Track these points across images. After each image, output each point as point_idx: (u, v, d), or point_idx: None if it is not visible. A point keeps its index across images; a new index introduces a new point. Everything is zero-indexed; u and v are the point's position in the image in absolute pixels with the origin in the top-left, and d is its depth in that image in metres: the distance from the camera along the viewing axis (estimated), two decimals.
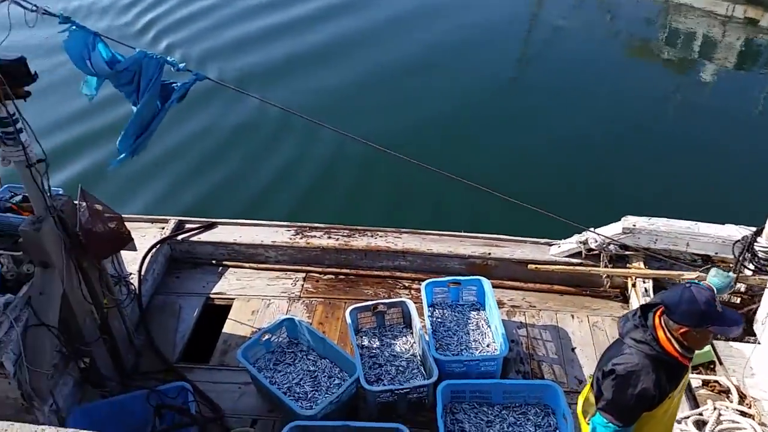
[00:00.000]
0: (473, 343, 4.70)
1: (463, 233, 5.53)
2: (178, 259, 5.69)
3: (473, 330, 4.80)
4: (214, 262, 5.64)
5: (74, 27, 3.02)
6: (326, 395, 4.34)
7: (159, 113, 3.29)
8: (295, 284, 5.45)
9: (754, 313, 4.47)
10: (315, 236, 5.62)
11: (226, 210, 6.22)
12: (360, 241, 5.54)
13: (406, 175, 7.24)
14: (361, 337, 4.78)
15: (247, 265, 5.61)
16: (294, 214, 6.12)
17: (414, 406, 4.38)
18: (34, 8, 2.88)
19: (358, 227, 5.68)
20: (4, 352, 3.53)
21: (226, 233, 5.68)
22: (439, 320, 4.86)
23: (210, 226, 5.72)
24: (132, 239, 4.18)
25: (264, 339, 4.65)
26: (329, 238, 5.61)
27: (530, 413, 4.24)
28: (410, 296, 5.28)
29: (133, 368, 4.76)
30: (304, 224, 5.73)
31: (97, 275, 4.16)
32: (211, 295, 5.37)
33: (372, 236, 5.60)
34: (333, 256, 5.55)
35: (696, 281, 2.71)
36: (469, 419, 4.21)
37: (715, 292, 2.62)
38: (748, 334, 4.48)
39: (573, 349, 4.83)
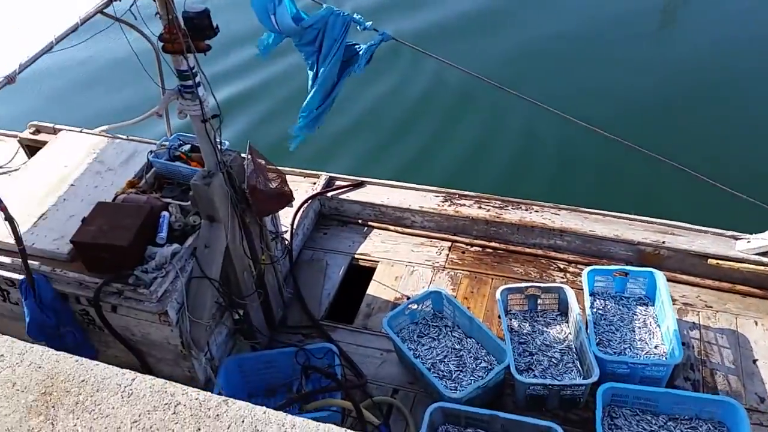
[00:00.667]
0: (639, 343, 4.24)
1: (632, 215, 4.96)
2: (326, 216, 5.66)
3: (639, 328, 4.33)
4: (360, 221, 5.55)
5: None
6: (472, 378, 4.13)
7: (341, 79, 3.08)
8: (440, 253, 5.22)
9: None
10: (464, 205, 5.32)
11: (377, 170, 6.05)
12: (513, 215, 5.17)
13: (569, 144, 6.61)
14: (510, 319, 4.48)
15: (392, 228, 5.45)
16: (446, 181, 5.81)
17: (566, 403, 4.06)
18: None
19: (512, 199, 5.29)
20: (169, 301, 3.63)
21: (374, 194, 5.53)
22: (600, 312, 4.42)
23: (359, 185, 5.61)
24: (293, 198, 4.13)
25: (409, 309, 4.50)
26: (479, 207, 5.29)
27: (701, 428, 3.76)
28: (565, 280, 4.88)
29: (281, 321, 4.84)
30: (454, 191, 5.44)
31: (257, 231, 4.17)
32: (356, 255, 5.30)
33: (526, 210, 5.20)
34: (482, 227, 5.23)
35: None
36: (629, 426, 3.82)
37: None
38: None
39: (755, 361, 4.22)
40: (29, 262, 3.75)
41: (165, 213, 3.87)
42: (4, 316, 4.28)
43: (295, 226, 5.19)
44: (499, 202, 5.28)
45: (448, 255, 5.20)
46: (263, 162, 3.89)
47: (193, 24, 2.93)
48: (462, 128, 7.47)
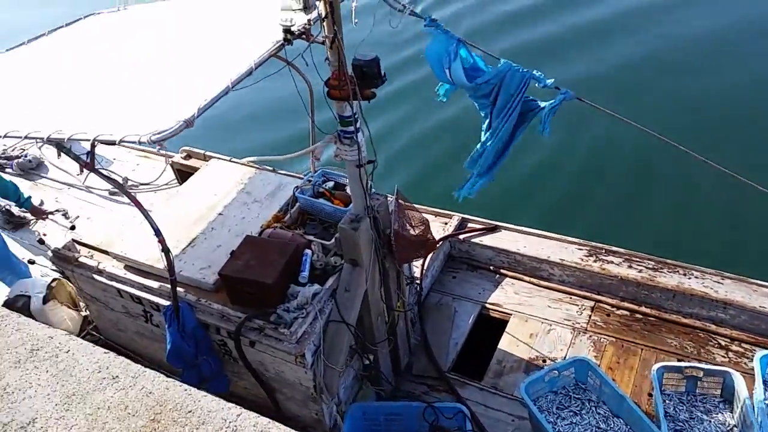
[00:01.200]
0: None
1: None
2: (456, 258, 5.43)
3: None
4: (491, 268, 5.27)
5: (439, 31, 2.71)
6: None
7: (518, 134, 2.87)
8: (581, 312, 4.82)
9: None
10: (612, 262, 4.90)
11: (513, 215, 5.73)
12: (669, 279, 4.68)
13: (737, 202, 5.94)
14: (664, 401, 4.00)
15: (526, 278, 5.12)
16: (590, 232, 5.39)
17: None
18: (402, 8, 2.62)
19: (668, 261, 4.79)
20: (307, 343, 3.53)
21: (509, 240, 5.23)
22: None
23: (493, 229, 5.33)
24: (436, 247, 3.94)
25: (550, 376, 4.14)
26: (630, 267, 4.84)
27: None
28: (728, 360, 4.33)
29: (406, 368, 4.64)
30: (600, 245, 5.02)
31: (395, 276, 4.02)
32: (487, 305, 5.01)
33: (684, 274, 4.69)
34: (632, 288, 4.78)
35: None
36: None
37: None
38: None
39: None
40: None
41: (308, 251, 3.81)
42: (145, 336, 4.40)
43: (425, 268, 5.00)
44: (653, 263, 4.80)
45: (590, 316, 4.78)
46: (408, 207, 3.73)
47: (362, 72, 2.83)
48: (610, 177, 6.96)
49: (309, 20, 2.71)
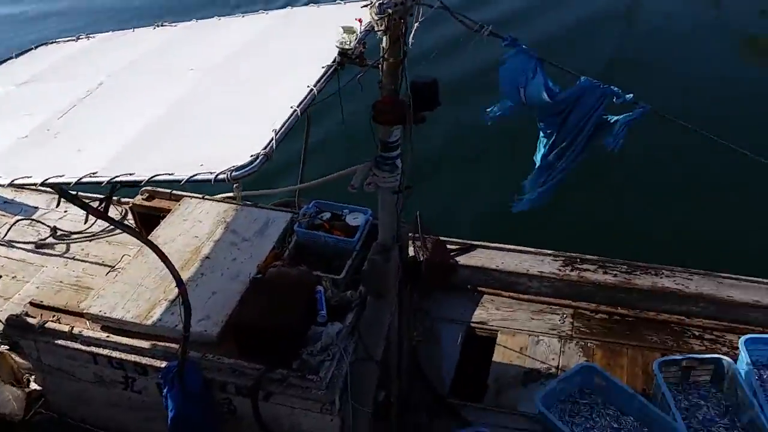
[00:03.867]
0: None
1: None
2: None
3: None
4: (469, 287, 5.27)
5: (520, 50, 2.66)
6: None
7: (583, 152, 2.86)
8: (563, 321, 4.95)
9: None
10: (588, 269, 5.10)
11: (487, 233, 5.77)
12: (644, 280, 4.95)
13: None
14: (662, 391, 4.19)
15: (505, 294, 5.18)
16: (563, 242, 5.57)
17: None
18: (479, 27, 2.54)
19: (639, 263, 5.08)
20: (336, 388, 3.29)
21: (486, 258, 5.28)
22: (761, 385, 4.16)
23: (468, 249, 5.35)
24: (458, 270, 3.86)
25: (560, 387, 4.19)
26: (605, 272, 5.06)
27: None
28: (704, 348, 4.63)
29: (405, 399, 4.48)
30: (575, 254, 5.22)
31: (408, 305, 3.89)
32: (473, 324, 5.00)
33: (656, 275, 4.98)
34: (608, 293, 4.99)
35: None
36: None
37: None
38: None
39: None
40: (168, 346, 3.43)
41: (320, 288, 3.58)
42: (119, 406, 3.88)
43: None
44: (626, 267, 5.06)
45: (572, 323, 4.92)
46: (431, 236, 3.65)
47: (422, 95, 2.72)
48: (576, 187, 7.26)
49: (364, 43, 2.56)
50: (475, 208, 7.16)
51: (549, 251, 5.26)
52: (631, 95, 2.52)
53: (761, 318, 4.68)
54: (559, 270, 5.10)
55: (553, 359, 4.67)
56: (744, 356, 4.17)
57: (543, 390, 4.12)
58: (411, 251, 4.45)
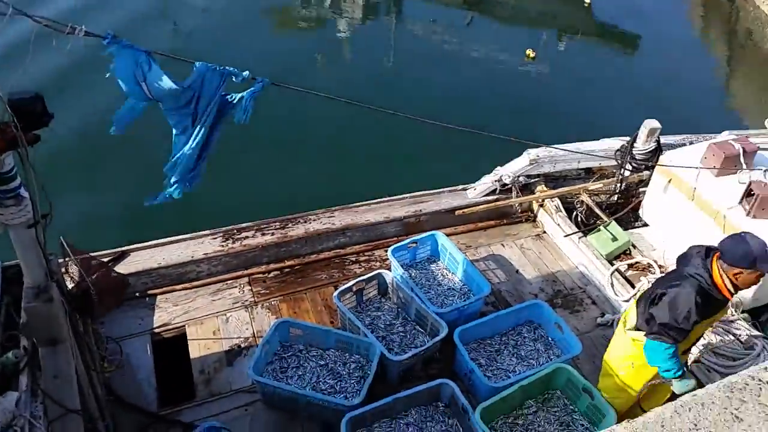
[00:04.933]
0: (449, 291, 5.06)
1: (392, 197, 5.75)
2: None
3: (443, 281, 5.15)
4: (137, 294, 4.92)
5: (124, 45, 2.36)
6: (352, 382, 4.30)
7: (214, 134, 2.77)
8: (242, 290, 5.09)
9: (639, 204, 5.69)
10: (248, 236, 5.27)
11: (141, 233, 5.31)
12: (297, 230, 5.38)
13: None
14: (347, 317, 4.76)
15: (179, 287, 5.02)
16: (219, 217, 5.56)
17: (426, 363, 4.60)
18: (71, 30, 2.18)
19: (289, 216, 5.48)
20: None
21: (144, 259, 4.96)
22: (414, 281, 5.07)
23: (121, 256, 4.93)
24: (128, 282, 3.51)
25: (264, 350, 4.34)
26: (263, 234, 5.32)
27: (524, 332, 4.80)
28: (362, 269, 5.37)
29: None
30: (230, 227, 5.31)
31: (91, 336, 3.42)
32: (156, 330, 4.72)
33: (305, 222, 5.46)
34: (273, 251, 5.29)
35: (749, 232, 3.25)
36: (481, 354, 4.61)
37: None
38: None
39: (517, 271, 5.51)
40: None
41: None
42: None
43: None
44: (278, 223, 5.40)
45: (251, 289, 5.10)
46: (86, 255, 3.23)
47: (26, 113, 2.27)
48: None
49: None
50: (113, 214, 6.64)
51: (206, 231, 5.25)
52: (248, 72, 2.65)
53: (394, 229, 5.65)
54: (222, 246, 5.16)
55: (247, 329, 4.79)
56: (395, 264, 5.01)
57: (250, 361, 4.22)
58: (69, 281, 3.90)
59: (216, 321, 4.83)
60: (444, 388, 4.17)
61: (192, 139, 2.75)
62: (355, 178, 7.69)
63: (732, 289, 3.28)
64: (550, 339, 4.72)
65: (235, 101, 2.77)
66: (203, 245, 5.16)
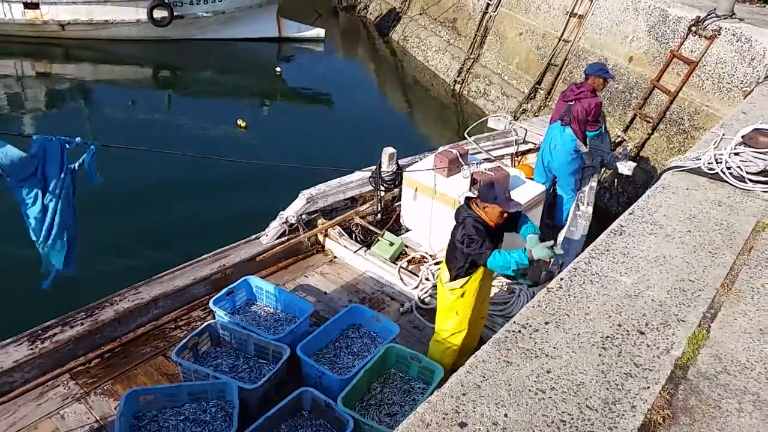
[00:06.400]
0: (277, 323, 5.51)
1: (191, 260, 5.99)
2: None
3: (268, 316, 5.58)
4: None
5: None
6: (218, 422, 4.48)
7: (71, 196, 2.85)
8: (68, 387, 4.83)
9: (398, 216, 6.96)
10: (56, 332, 5.02)
11: None
12: (106, 314, 5.27)
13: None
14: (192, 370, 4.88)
15: None
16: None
17: (278, 386, 4.97)
18: None
19: (93, 303, 5.34)
20: None
21: None
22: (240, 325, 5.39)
23: None
24: None
25: (119, 428, 4.24)
26: (71, 327, 5.11)
27: (350, 334, 5.49)
28: (184, 332, 5.50)
29: None
30: (33, 328, 5.00)
31: None
32: None
33: (112, 304, 5.38)
34: (87, 341, 5.12)
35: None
36: (322, 363, 5.14)
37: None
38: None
39: (325, 293, 6.18)
40: None
41: None
42: None
43: None
44: (84, 312, 5.24)
45: (77, 383, 4.87)
46: None
47: None
48: None
49: None
50: None
51: (8, 339, 4.88)
52: (79, 138, 2.91)
53: (204, 289, 5.87)
54: (31, 350, 4.83)
55: (89, 418, 4.58)
56: (220, 312, 5.32)
57: None
58: None
59: (52, 421, 4.52)
60: (305, 394, 4.63)
61: (48, 212, 2.89)
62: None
63: (489, 219, 4.51)
64: (372, 332, 5.51)
65: (77, 167, 3.01)
66: (8, 354, 4.77)
